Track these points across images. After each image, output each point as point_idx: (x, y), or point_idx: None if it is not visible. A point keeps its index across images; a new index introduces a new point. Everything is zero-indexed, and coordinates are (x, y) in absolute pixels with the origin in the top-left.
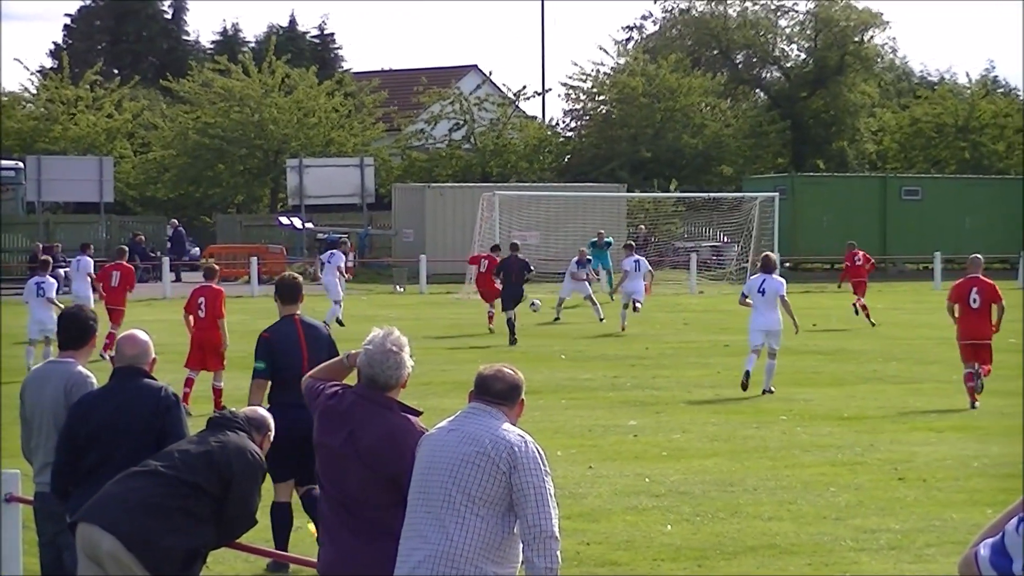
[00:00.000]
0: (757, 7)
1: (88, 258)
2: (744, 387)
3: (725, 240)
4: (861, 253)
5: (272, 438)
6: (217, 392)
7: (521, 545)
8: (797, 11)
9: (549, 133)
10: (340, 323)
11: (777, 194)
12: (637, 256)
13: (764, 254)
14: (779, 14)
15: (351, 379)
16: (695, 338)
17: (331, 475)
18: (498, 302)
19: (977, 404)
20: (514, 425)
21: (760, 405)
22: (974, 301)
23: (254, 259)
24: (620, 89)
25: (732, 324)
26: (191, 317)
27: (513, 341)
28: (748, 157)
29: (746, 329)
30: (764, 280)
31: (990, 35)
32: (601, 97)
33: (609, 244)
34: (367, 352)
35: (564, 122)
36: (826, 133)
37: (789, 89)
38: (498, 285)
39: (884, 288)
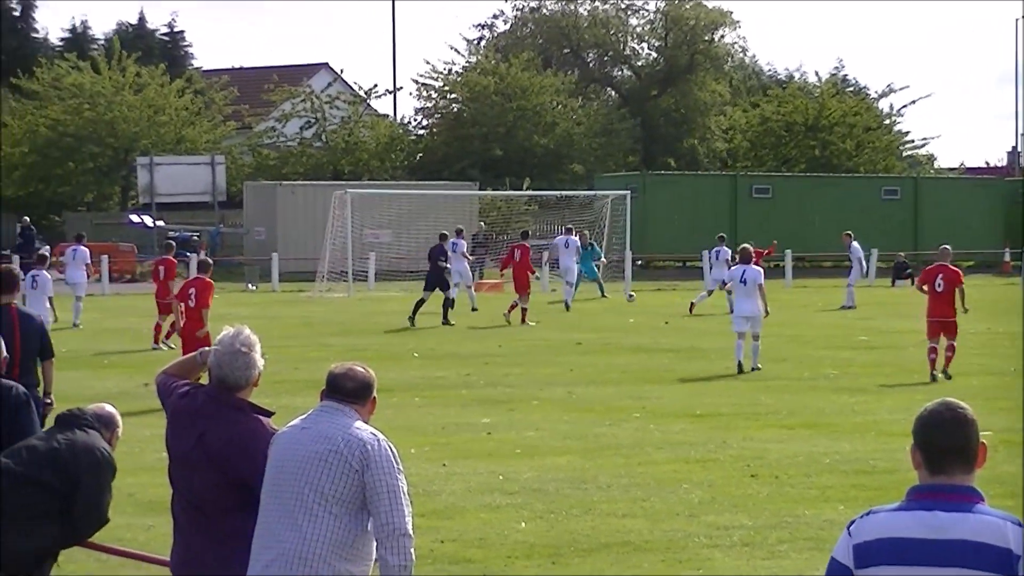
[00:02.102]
0: (607, 6)
1: (84, 248)
2: (740, 371)
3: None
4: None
5: (119, 432)
6: None
7: (375, 543)
8: (647, 10)
9: (401, 131)
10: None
11: (628, 192)
12: (569, 237)
13: (742, 247)
14: (630, 13)
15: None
16: (547, 336)
17: (181, 477)
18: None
19: (936, 375)
20: (367, 423)
21: (612, 403)
22: (939, 285)
23: (104, 257)
24: (471, 87)
25: (584, 322)
26: (182, 306)
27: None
28: (599, 155)
29: (593, 328)
30: (745, 271)
31: (839, 34)
32: (453, 95)
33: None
34: (216, 352)
35: (416, 120)
36: (677, 131)
37: (640, 88)
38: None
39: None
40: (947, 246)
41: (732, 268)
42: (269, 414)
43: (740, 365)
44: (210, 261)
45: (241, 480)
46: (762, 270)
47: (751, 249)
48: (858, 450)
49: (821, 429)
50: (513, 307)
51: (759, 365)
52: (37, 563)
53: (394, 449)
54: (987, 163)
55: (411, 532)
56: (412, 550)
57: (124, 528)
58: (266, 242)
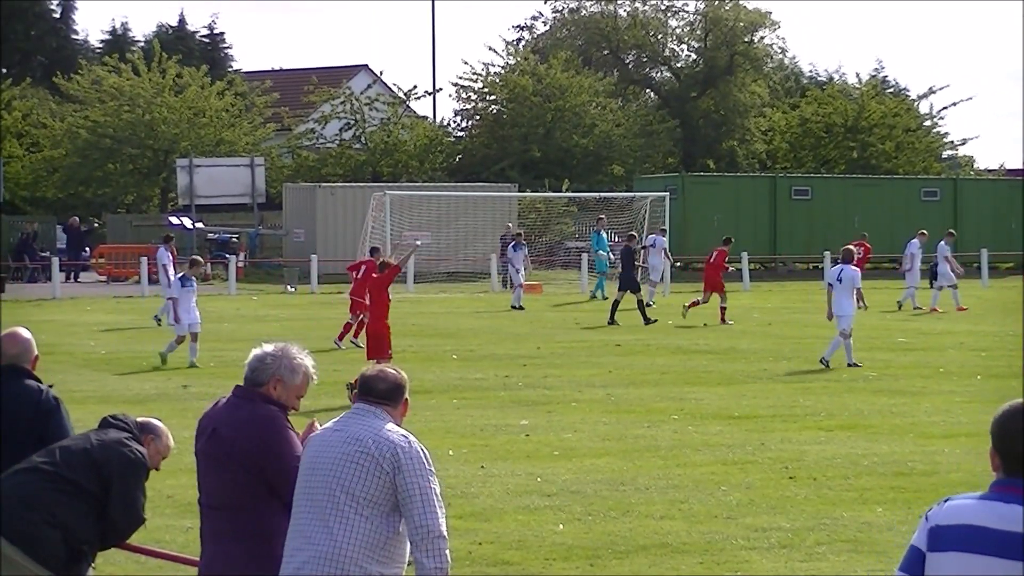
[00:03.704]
0: (647, 7)
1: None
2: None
3: (616, 239)
4: None
5: (167, 442)
6: None
7: (409, 545)
8: (687, 11)
9: (440, 132)
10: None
11: (668, 194)
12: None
13: (844, 247)
14: (669, 14)
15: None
16: (586, 337)
17: (201, 478)
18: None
19: None
20: (399, 425)
21: (651, 404)
22: None
23: (144, 259)
24: (511, 89)
25: (623, 323)
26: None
27: (646, 321)
28: (638, 157)
29: (632, 329)
30: (842, 270)
31: (879, 35)
32: (492, 97)
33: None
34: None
35: (455, 122)
36: (716, 133)
37: (679, 89)
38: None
39: (774, 287)
40: None
41: (832, 268)
42: (285, 408)
43: (854, 362)
44: (391, 262)
45: (252, 466)
46: (859, 271)
47: (853, 250)
48: (896, 452)
49: (859, 431)
50: (695, 304)
51: (856, 361)
52: (71, 562)
53: (426, 451)
54: None
55: (445, 534)
56: (448, 552)
57: (163, 530)
58: (305, 244)
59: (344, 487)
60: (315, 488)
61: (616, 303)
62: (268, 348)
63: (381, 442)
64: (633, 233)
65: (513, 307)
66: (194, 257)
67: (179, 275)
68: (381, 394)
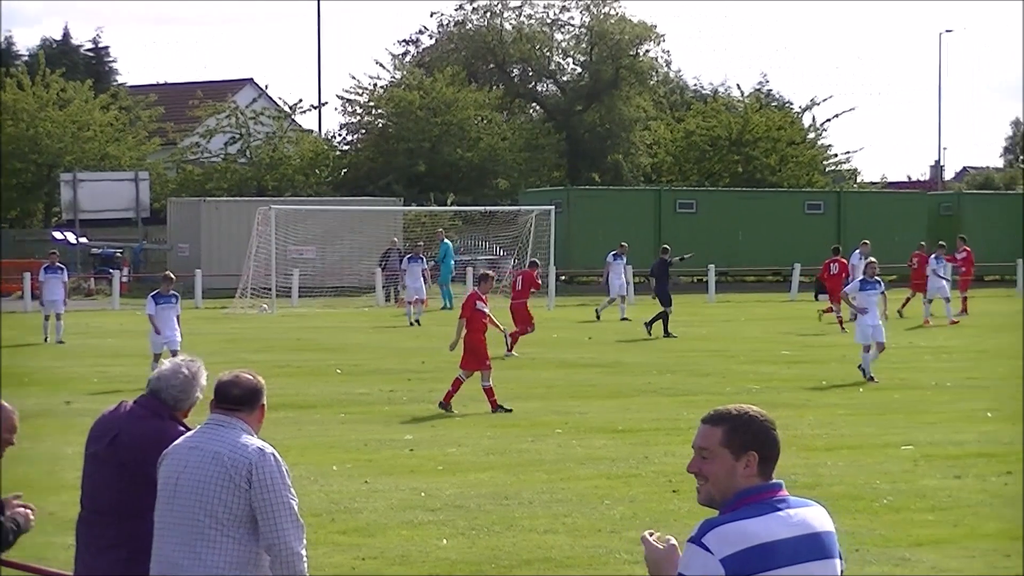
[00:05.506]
0: (533, 21)
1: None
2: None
3: (501, 254)
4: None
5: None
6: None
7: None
8: (572, 25)
9: (325, 147)
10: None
11: (553, 207)
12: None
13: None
14: (555, 28)
15: None
16: None
17: (88, 484)
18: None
19: None
20: (255, 432)
21: (536, 418)
22: None
23: (27, 274)
24: (396, 103)
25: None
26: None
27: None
28: (524, 170)
29: (518, 343)
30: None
31: (763, 50)
32: (378, 111)
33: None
34: (159, 370)
35: (341, 135)
36: (601, 146)
37: (565, 103)
38: None
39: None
40: None
41: None
42: (189, 430)
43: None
44: (488, 274)
45: (148, 477)
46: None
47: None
48: (780, 465)
49: None
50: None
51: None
52: None
53: (282, 463)
54: (908, 177)
55: (301, 550)
56: (304, 567)
57: (44, 547)
58: (190, 258)
59: (207, 510)
60: (178, 512)
61: (661, 316)
62: (184, 366)
63: (236, 458)
64: (666, 246)
65: (412, 323)
66: (167, 273)
67: (152, 292)
68: (235, 400)
